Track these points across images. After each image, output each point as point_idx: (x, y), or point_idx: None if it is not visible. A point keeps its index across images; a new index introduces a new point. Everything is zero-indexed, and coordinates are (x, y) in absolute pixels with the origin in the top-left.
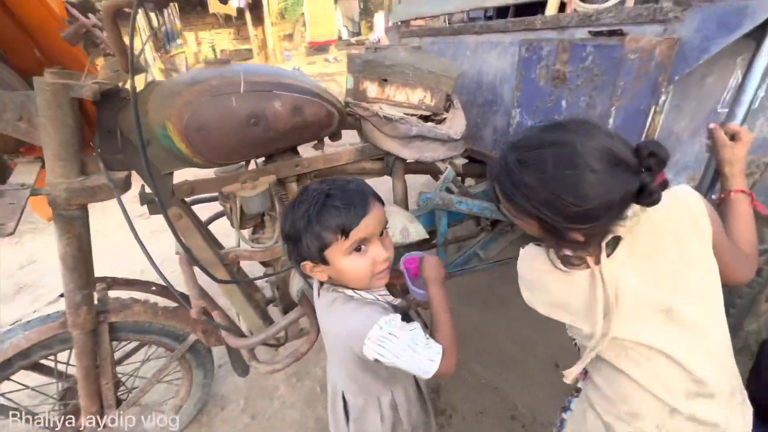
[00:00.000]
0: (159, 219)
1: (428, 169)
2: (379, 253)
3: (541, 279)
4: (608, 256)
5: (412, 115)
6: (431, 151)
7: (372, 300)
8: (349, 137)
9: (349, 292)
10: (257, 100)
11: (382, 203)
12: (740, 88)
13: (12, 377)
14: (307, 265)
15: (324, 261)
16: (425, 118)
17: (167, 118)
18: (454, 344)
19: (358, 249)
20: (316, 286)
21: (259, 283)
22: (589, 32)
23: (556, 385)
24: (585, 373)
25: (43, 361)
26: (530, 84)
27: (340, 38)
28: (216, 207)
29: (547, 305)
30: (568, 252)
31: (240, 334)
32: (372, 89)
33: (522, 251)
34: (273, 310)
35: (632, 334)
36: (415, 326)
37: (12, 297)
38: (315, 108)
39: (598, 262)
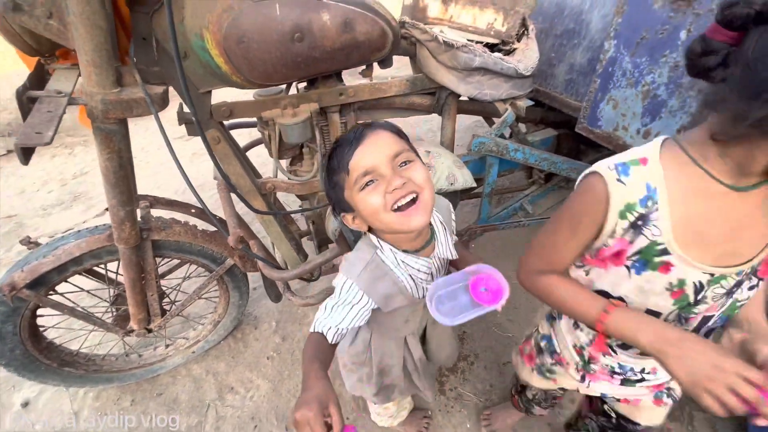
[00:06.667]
0: (199, 141)
1: (482, 109)
2: (388, 182)
3: None
4: None
5: (477, 42)
6: (492, 88)
7: (399, 262)
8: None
9: (384, 248)
10: (303, 10)
11: (396, 132)
12: None
13: (69, 281)
14: (347, 217)
15: (352, 208)
16: (491, 47)
17: (205, 25)
18: None
19: (370, 184)
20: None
21: (293, 215)
22: None
23: None
24: None
25: (97, 269)
26: (639, 7)
27: None
28: (254, 134)
29: None
30: None
31: (276, 266)
32: (434, 7)
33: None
34: (306, 243)
35: None
36: (344, 313)
37: (70, 204)
38: (368, 25)
39: None
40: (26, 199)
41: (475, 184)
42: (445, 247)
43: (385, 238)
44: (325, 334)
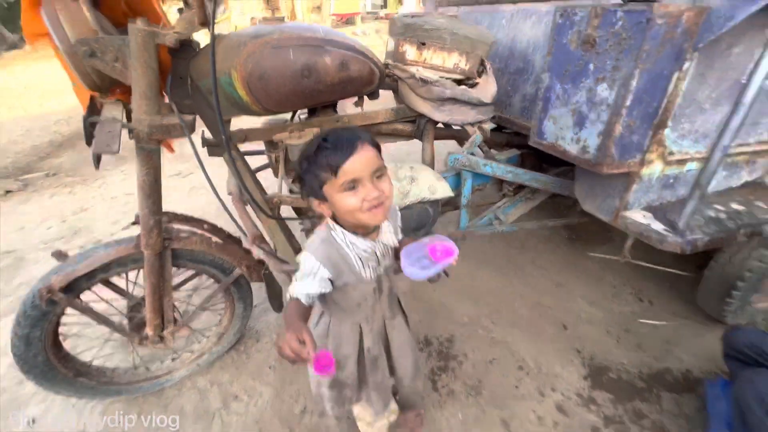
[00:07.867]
0: (196, 178)
1: (455, 135)
2: (368, 192)
3: None
4: None
5: (447, 78)
6: (461, 114)
7: (348, 243)
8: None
9: (336, 229)
10: (310, 54)
11: (376, 147)
12: (760, 59)
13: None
14: (315, 201)
15: (324, 198)
16: (458, 82)
17: (233, 66)
18: None
19: (352, 188)
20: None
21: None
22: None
23: (563, 342)
24: None
25: (115, 279)
26: (562, 49)
27: (367, 14)
28: (258, 161)
29: None
30: None
31: (283, 262)
32: (411, 52)
33: None
34: None
35: None
36: (309, 281)
37: (70, 238)
38: (359, 65)
39: None
40: (26, 235)
41: (452, 194)
42: (386, 234)
43: (339, 222)
44: (300, 299)
